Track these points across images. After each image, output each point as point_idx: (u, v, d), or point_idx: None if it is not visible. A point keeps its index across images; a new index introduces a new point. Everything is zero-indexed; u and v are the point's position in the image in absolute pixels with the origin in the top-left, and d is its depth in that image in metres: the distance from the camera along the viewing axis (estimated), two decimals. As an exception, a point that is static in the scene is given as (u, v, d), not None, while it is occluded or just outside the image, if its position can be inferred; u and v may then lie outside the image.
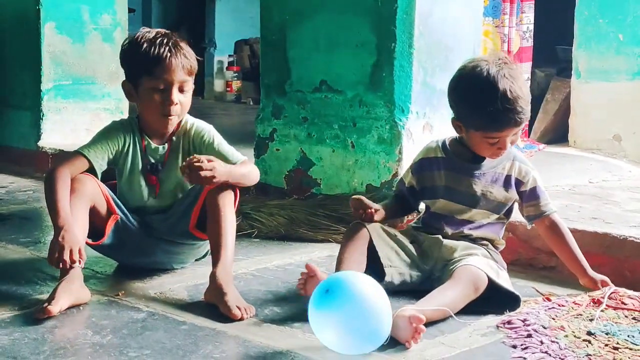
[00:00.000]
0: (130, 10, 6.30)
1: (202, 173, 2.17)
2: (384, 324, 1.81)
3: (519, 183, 2.28)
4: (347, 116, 3.06)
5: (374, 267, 2.20)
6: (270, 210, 3.01)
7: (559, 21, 4.56)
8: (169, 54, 2.28)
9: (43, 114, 4.25)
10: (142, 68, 2.30)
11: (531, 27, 4.27)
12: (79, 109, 4.36)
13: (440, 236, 2.27)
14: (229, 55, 8.70)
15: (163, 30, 2.37)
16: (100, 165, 2.35)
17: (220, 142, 2.40)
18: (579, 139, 4.27)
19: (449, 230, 2.28)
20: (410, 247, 2.29)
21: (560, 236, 2.28)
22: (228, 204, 2.27)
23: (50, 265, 2.12)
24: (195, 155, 2.23)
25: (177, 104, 2.30)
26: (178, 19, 9.32)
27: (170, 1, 9.36)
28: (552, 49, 5.09)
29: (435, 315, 2.00)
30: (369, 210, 2.25)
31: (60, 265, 2.08)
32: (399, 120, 2.92)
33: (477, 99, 2.17)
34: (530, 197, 2.28)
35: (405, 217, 2.51)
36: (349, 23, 3.01)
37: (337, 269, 2.15)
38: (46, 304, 2.02)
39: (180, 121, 2.40)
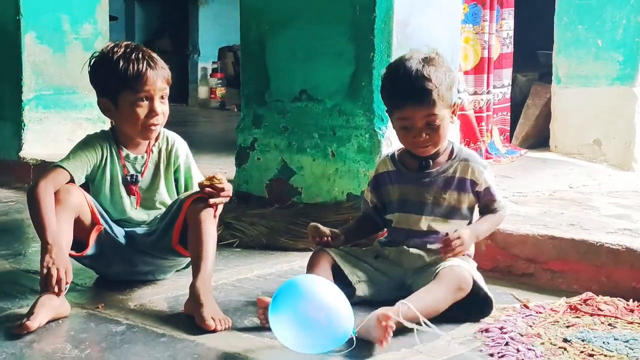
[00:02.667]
0: (113, 18, 6.30)
1: (221, 198, 2.30)
2: (333, 318, 1.87)
3: (473, 184, 2.27)
4: (326, 125, 3.07)
5: (343, 287, 2.18)
6: (252, 219, 3.02)
7: (541, 26, 4.59)
8: (147, 67, 2.32)
9: (24, 124, 4.24)
10: (121, 84, 2.32)
11: (511, 33, 4.29)
12: (60, 119, 4.35)
13: (404, 246, 2.29)
14: (213, 62, 8.70)
15: (131, 44, 2.40)
16: (79, 179, 2.35)
17: (194, 166, 2.50)
18: (560, 144, 4.29)
19: (411, 244, 2.28)
20: (375, 261, 2.30)
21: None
22: (208, 216, 2.29)
23: (43, 287, 2.09)
24: (217, 175, 2.31)
25: (160, 114, 2.35)
26: (161, 27, 9.31)
27: (153, 8, 9.35)
28: (534, 54, 5.13)
29: (415, 314, 1.97)
30: (325, 238, 2.28)
31: (56, 289, 2.08)
32: (379, 129, 2.93)
33: (388, 78, 2.27)
34: (485, 196, 2.28)
35: (378, 233, 2.51)
36: (328, 33, 3.02)
37: None
38: (25, 319, 2.01)
39: (159, 132, 2.45)
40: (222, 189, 2.30)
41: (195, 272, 2.20)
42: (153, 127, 2.36)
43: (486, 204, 2.29)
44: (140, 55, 2.33)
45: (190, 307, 2.14)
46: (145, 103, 2.33)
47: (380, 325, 1.88)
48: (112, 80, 2.34)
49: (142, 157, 2.44)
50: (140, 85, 2.31)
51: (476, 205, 2.31)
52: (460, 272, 2.11)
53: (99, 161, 2.39)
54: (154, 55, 2.38)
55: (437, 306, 2.04)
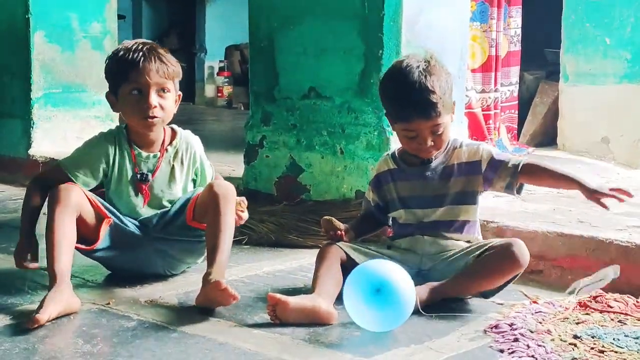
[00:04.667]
0: (121, 17, 6.32)
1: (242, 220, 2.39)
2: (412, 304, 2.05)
3: (476, 164, 2.28)
4: (335, 122, 3.08)
5: None
6: (261, 216, 3.02)
7: (549, 24, 4.59)
8: (142, 58, 2.31)
9: (33, 122, 4.26)
10: (119, 75, 2.35)
11: (519, 31, 4.30)
12: (69, 117, 4.37)
13: (419, 234, 2.31)
14: (220, 61, 8.72)
15: (143, 40, 2.42)
16: (79, 177, 2.35)
17: (206, 160, 2.50)
18: (568, 142, 4.29)
19: (423, 234, 2.31)
20: (388, 251, 2.32)
21: (543, 173, 2.26)
22: (229, 207, 2.30)
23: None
24: (242, 202, 2.38)
25: (156, 106, 2.32)
26: (168, 25, 9.34)
27: (160, 7, 9.37)
28: (542, 52, 5.13)
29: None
30: (339, 231, 2.29)
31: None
32: (387, 126, 2.93)
33: (390, 89, 2.26)
34: (496, 167, 2.26)
35: (382, 230, 2.53)
36: (337, 30, 3.03)
37: (313, 287, 2.18)
38: (35, 313, 2.03)
39: (175, 132, 2.44)
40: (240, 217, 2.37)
41: (211, 262, 2.22)
42: (151, 119, 2.33)
43: (505, 169, 2.25)
44: (140, 48, 2.33)
45: (203, 291, 2.15)
46: (140, 95, 2.32)
47: None
48: (113, 72, 2.37)
49: (155, 155, 2.41)
50: (133, 75, 2.31)
51: (490, 186, 2.30)
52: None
53: (107, 162, 2.38)
54: (159, 49, 2.37)
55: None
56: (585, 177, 2.24)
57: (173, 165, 2.42)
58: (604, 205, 2.15)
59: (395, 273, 2.03)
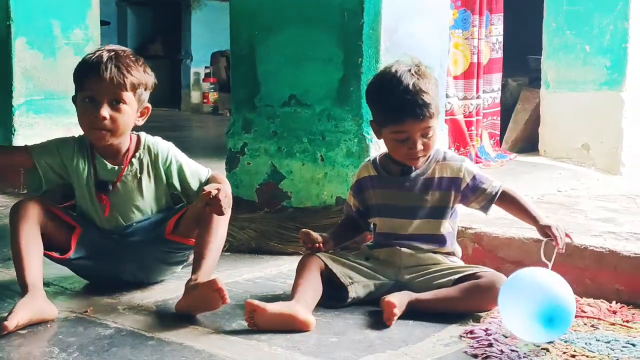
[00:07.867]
0: (105, 23, 6.32)
1: (222, 203, 2.19)
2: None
3: (457, 180, 2.30)
4: (316, 130, 3.10)
5: (333, 291, 2.25)
6: (241, 223, 3.03)
7: (533, 31, 4.62)
8: (99, 66, 2.21)
9: (14, 129, 4.24)
10: (77, 81, 2.29)
11: (500, 38, 4.33)
12: (51, 124, 4.35)
13: (397, 246, 2.31)
14: (205, 67, 8.73)
15: (115, 46, 2.33)
16: (41, 163, 2.31)
17: (184, 163, 2.40)
18: (549, 148, 4.33)
19: (400, 245, 2.31)
20: (366, 262, 2.33)
21: (513, 203, 2.30)
22: (223, 218, 2.29)
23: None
24: (204, 189, 2.20)
25: (105, 117, 2.22)
26: (153, 31, 9.33)
27: (145, 13, 9.37)
28: (526, 59, 5.16)
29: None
30: (317, 244, 2.30)
31: None
32: (367, 133, 2.96)
33: (382, 92, 2.26)
34: (475, 189, 2.29)
35: (363, 235, 2.54)
36: (317, 38, 3.05)
37: (293, 294, 2.18)
38: (3, 320, 2.02)
39: (140, 141, 2.38)
40: (218, 200, 2.18)
41: (195, 270, 2.22)
42: (97, 131, 2.24)
43: (483, 194, 2.29)
44: (102, 55, 2.24)
45: (189, 294, 2.15)
46: (92, 103, 2.22)
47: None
48: (74, 77, 2.30)
49: (119, 168, 2.33)
50: (87, 83, 2.23)
51: (465, 202, 2.32)
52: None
53: (72, 160, 2.32)
54: (125, 59, 2.25)
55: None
56: (543, 215, 2.30)
57: (140, 177, 2.36)
58: (556, 241, 2.19)
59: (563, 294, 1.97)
